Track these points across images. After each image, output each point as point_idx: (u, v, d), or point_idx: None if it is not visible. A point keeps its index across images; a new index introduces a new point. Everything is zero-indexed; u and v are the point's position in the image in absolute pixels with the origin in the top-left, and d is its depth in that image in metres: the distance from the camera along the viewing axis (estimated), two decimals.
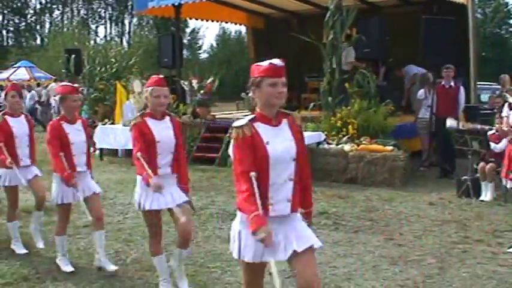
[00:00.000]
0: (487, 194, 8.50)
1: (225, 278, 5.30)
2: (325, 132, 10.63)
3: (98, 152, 12.86)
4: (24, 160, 5.90)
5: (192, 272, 5.39)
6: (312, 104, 12.31)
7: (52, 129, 5.21)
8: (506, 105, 6.01)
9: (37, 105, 26.84)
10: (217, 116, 13.95)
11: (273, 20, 17.33)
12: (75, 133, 5.28)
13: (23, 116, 6.04)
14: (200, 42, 57.29)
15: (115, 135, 12.51)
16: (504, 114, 6.01)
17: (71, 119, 5.31)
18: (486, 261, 5.72)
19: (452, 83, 10.77)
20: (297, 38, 15.71)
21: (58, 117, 5.36)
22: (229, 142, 10.60)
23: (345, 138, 10.35)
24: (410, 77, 13.59)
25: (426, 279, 5.22)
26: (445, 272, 5.41)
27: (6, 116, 5.85)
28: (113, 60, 16.32)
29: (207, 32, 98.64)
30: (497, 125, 6.16)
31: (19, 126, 5.89)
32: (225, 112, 15.36)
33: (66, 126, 5.22)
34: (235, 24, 18.95)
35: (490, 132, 8.44)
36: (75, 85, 5.62)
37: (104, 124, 13.49)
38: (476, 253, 6.00)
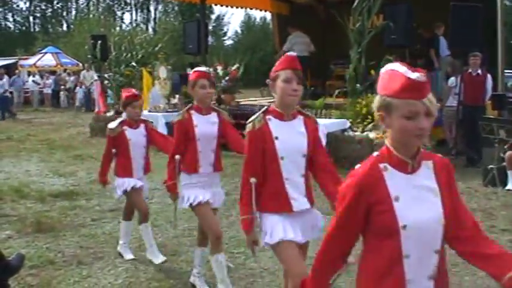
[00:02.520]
0: None
1: (249, 263, 5.33)
2: (350, 120, 10.58)
3: None
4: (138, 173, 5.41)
5: None
6: (337, 91, 12.25)
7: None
8: None
9: (61, 92, 27.34)
10: (241, 103, 13.97)
11: (298, 6, 17.23)
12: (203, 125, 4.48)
13: (142, 125, 5.46)
14: (225, 28, 57.41)
15: None
16: None
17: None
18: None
19: (479, 71, 10.62)
20: (322, 24, 15.70)
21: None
22: None
23: (369, 126, 10.29)
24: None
25: (451, 267, 5.17)
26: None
27: (125, 127, 5.37)
28: (139, 46, 16.41)
29: (232, 19, 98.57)
30: None
31: (136, 136, 5.39)
32: (249, 99, 15.36)
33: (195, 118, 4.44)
34: (260, 10, 18.90)
35: None
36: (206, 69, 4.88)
37: None
38: (502, 242, 5.93)
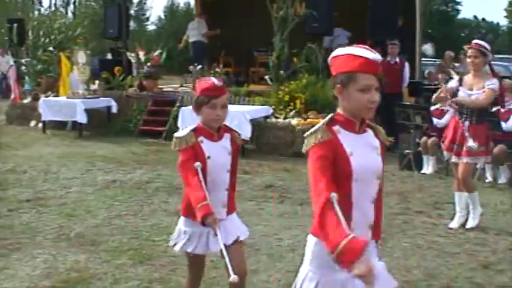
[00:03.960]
0: (428, 167, 8.76)
1: (171, 250, 5.30)
2: (273, 107, 10.68)
3: (41, 124, 12.60)
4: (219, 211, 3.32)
5: (136, 245, 5.37)
6: (267, 77, 12.30)
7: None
8: (456, 79, 6.17)
9: None
10: (164, 89, 13.83)
11: None
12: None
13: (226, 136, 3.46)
14: (147, 13, 56.31)
15: (60, 107, 12.22)
16: (450, 85, 6.17)
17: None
18: (426, 232, 5.91)
19: (397, 59, 10.93)
20: (246, 11, 15.71)
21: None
22: (177, 116, 10.56)
23: (292, 113, 10.42)
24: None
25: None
26: (386, 242, 5.55)
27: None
28: (57, 31, 15.88)
29: (155, 3, 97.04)
30: (442, 94, 6.33)
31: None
32: (172, 85, 15.21)
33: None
34: None
35: (432, 108, 8.67)
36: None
37: (47, 96, 13.15)
38: (417, 224, 6.19)
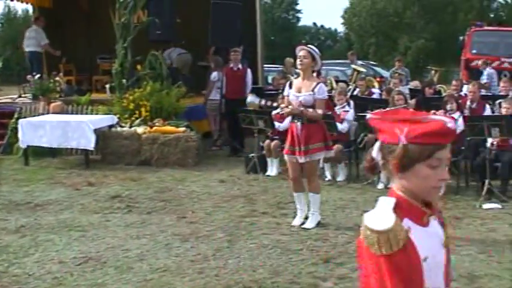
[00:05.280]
0: (272, 170, 9.08)
1: (12, 270, 5.04)
2: (118, 115, 10.48)
3: None
4: None
5: None
6: (107, 86, 12.01)
7: None
8: (287, 84, 6.46)
9: None
10: (1, 101, 13.04)
11: None
12: None
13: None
14: None
15: None
16: (285, 93, 6.43)
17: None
18: (271, 232, 6.13)
19: (240, 66, 11.21)
20: (88, 17, 15.27)
21: None
22: (16, 128, 10.00)
23: (137, 121, 10.29)
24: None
25: (216, 253, 5.45)
26: (233, 244, 5.69)
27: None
28: None
29: None
30: (282, 105, 6.60)
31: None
32: (9, 96, 14.34)
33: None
34: (22, 2, 17.72)
35: (274, 112, 8.99)
36: None
37: None
38: (262, 225, 6.39)
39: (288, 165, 6.39)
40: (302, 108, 6.09)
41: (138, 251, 5.50)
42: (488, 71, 15.13)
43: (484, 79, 14.30)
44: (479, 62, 16.12)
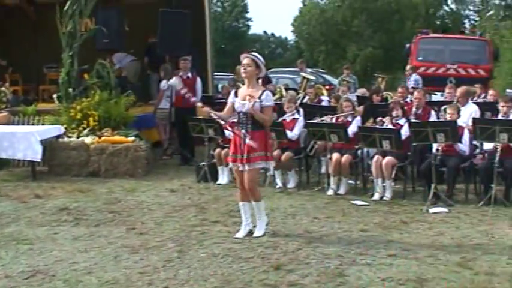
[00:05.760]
0: (223, 178, 9.08)
1: None
2: (65, 126, 10.27)
3: None
4: None
5: None
6: (55, 96, 11.76)
7: None
8: (232, 92, 6.48)
9: None
10: None
11: (5, 7, 16.08)
12: None
13: None
14: None
15: None
16: (230, 100, 6.44)
17: None
18: (222, 240, 6.09)
19: (189, 74, 11.17)
20: (34, 26, 14.97)
21: None
22: None
23: (85, 131, 10.11)
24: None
25: (166, 264, 5.39)
26: (184, 254, 5.64)
27: None
28: None
29: None
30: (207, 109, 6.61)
31: None
32: None
33: None
34: None
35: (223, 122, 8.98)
36: None
37: None
38: (213, 234, 6.35)
39: (234, 173, 6.40)
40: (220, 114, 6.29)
41: (86, 263, 5.39)
42: (414, 76, 15.86)
43: (411, 84, 14.96)
44: (407, 68, 16.71)
